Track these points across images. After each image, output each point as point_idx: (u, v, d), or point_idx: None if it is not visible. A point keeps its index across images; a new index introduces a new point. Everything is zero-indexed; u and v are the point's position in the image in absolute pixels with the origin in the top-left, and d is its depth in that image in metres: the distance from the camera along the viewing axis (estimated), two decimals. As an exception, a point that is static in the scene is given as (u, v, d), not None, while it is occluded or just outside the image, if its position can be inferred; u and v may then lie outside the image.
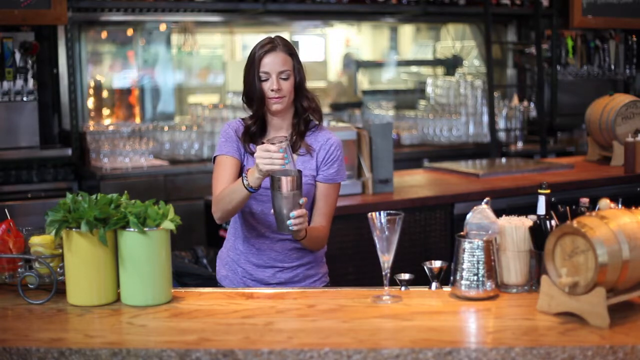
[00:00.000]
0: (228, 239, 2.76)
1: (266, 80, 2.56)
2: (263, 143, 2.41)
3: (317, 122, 2.68)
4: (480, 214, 2.16)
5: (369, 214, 2.12)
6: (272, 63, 2.55)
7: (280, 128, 2.65)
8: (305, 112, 2.65)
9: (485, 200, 2.21)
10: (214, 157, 2.65)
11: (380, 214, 2.09)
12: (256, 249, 2.65)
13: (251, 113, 2.64)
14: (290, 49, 2.60)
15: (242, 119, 2.68)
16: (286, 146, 2.34)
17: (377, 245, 2.10)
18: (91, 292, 2.08)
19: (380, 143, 4.08)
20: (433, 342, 1.77)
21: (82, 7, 5.28)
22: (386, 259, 2.10)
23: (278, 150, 2.32)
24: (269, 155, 2.33)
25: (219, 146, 2.66)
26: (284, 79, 2.57)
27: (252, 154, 2.59)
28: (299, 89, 2.62)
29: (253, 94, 2.59)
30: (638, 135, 4.59)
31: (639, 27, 7.01)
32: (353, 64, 7.26)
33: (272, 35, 2.64)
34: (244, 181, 2.42)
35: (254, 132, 2.63)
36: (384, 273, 2.12)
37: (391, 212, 2.12)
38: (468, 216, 2.18)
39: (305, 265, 2.68)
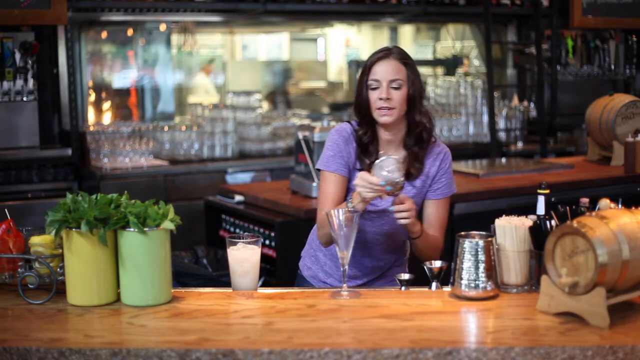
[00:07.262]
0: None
1: (375, 88, 2.45)
2: (373, 158, 2.41)
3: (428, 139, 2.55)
4: (385, 168, 2.27)
5: (327, 211, 2.19)
6: (383, 71, 2.44)
7: (390, 143, 2.53)
8: (417, 127, 2.50)
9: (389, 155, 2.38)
10: (319, 169, 2.54)
11: (338, 212, 2.15)
12: (355, 262, 2.59)
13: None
14: (405, 58, 2.47)
15: (352, 123, 2.56)
16: (393, 163, 2.28)
17: (337, 242, 2.16)
18: (91, 292, 2.08)
19: (380, 143, 4.07)
20: (433, 342, 1.77)
21: (82, 7, 5.28)
22: (344, 256, 2.16)
23: (379, 183, 2.25)
24: (370, 186, 2.26)
25: (325, 159, 2.52)
26: (395, 89, 2.44)
27: (360, 169, 2.49)
28: (412, 101, 2.48)
29: (361, 104, 2.48)
30: (638, 135, 4.59)
31: (639, 27, 7.01)
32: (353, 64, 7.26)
33: (390, 46, 2.53)
34: (349, 204, 2.34)
35: (366, 142, 2.50)
36: (342, 269, 2.18)
37: (349, 209, 2.24)
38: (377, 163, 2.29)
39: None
